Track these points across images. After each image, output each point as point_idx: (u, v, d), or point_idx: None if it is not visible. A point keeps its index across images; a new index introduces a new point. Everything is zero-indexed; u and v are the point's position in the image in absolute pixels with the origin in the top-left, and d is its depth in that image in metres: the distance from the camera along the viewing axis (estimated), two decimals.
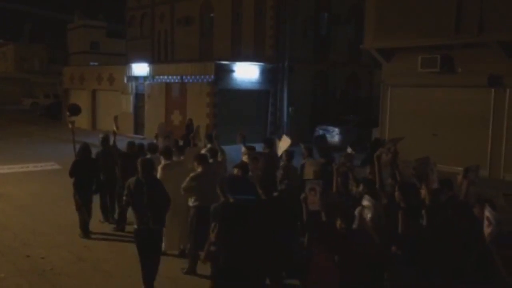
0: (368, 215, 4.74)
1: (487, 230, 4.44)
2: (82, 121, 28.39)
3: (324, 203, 5.21)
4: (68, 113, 11.71)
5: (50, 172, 15.12)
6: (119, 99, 26.47)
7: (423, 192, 5.65)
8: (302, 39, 24.34)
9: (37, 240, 8.72)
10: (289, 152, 8.38)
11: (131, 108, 25.87)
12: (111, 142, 9.84)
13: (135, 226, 6.41)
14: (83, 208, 8.89)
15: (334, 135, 21.28)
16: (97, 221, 9.52)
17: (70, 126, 11.18)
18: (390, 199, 5.53)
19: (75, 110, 11.46)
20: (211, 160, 7.77)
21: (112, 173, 9.34)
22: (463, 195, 5.76)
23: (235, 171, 6.46)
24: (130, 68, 25.59)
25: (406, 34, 16.03)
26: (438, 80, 15.92)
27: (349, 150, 7.84)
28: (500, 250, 4.52)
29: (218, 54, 26.05)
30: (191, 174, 7.15)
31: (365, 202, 4.86)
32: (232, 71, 21.76)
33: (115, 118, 10.86)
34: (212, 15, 27.92)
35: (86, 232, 8.92)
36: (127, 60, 32.43)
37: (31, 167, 15.98)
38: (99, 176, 9.28)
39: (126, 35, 36.52)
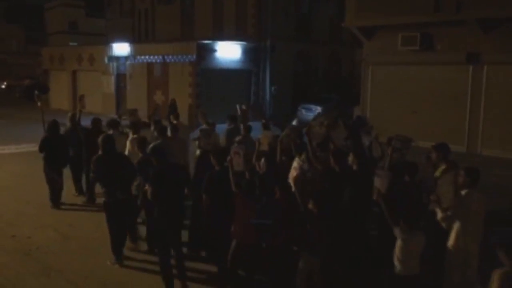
0: (293, 173, 5.47)
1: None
2: (63, 102, 28.18)
3: (247, 164, 5.90)
4: (36, 92, 12.14)
5: (32, 153, 14.93)
6: (100, 79, 26.21)
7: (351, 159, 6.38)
8: (284, 17, 24.28)
9: (22, 220, 8.76)
10: (246, 126, 8.92)
11: (112, 89, 25.65)
12: (77, 119, 10.17)
13: (104, 200, 6.82)
14: (55, 178, 9.33)
15: (317, 114, 21.48)
16: (70, 195, 9.90)
17: (39, 104, 11.45)
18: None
19: (43, 88, 11.77)
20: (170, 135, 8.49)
21: (80, 149, 9.66)
22: (387, 161, 6.53)
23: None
24: (111, 48, 25.29)
25: (387, 12, 16.15)
26: (417, 58, 16.14)
27: (294, 122, 8.64)
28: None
29: (199, 33, 25.88)
30: (151, 145, 7.59)
31: (294, 163, 5.70)
32: (214, 50, 21.68)
33: (81, 96, 11.12)
34: None
35: (55, 202, 9.43)
36: (107, 40, 32.00)
37: (12, 148, 15.86)
38: (68, 151, 9.61)
39: (106, 15, 35.93)
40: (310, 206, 5.35)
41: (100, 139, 6.85)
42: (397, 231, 4.91)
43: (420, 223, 4.95)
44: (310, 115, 21.69)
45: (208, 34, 25.08)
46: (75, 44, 42.17)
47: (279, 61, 23.57)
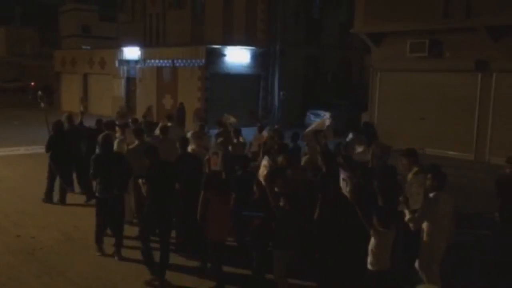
0: (264, 172, 5.88)
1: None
2: (74, 105, 28.41)
3: (224, 164, 6.43)
4: (39, 93, 12.77)
5: (41, 155, 15.06)
6: (110, 83, 26.47)
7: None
8: (294, 23, 24.34)
9: (27, 220, 8.89)
10: (236, 130, 9.79)
11: (122, 92, 25.90)
12: (78, 121, 10.73)
13: (97, 195, 7.23)
14: (62, 180, 9.89)
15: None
16: (75, 196, 10.22)
17: (42, 105, 12.09)
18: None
19: (46, 90, 12.44)
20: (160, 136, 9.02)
21: (77, 148, 9.99)
22: (369, 164, 7.04)
23: (177, 143, 7.69)
24: (121, 52, 25.56)
25: (395, 18, 16.14)
26: (426, 64, 16.09)
27: (276, 126, 9.61)
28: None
29: (209, 38, 26.01)
30: (129, 146, 8.18)
31: (264, 161, 6.02)
32: (223, 55, 21.81)
33: (82, 98, 11.52)
34: None
35: (50, 198, 9.91)
36: (119, 44, 32.32)
37: (22, 150, 16.07)
38: (71, 150, 9.99)
39: (118, 19, 36.31)
40: (282, 204, 5.59)
41: (100, 138, 7.23)
42: (371, 231, 5.14)
43: (392, 223, 5.18)
44: (318, 121, 21.69)
45: (217, 39, 25.20)
46: (88, 47, 42.59)
47: (289, 66, 23.61)
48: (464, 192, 12.00)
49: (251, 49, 22.94)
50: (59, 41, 52.84)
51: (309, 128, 9.30)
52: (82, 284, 6.43)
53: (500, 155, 14.80)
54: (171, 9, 29.65)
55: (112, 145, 7.52)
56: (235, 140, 9.52)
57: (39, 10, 59.63)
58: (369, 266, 5.24)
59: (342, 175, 5.56)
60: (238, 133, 9.64)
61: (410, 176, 6.19)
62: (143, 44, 29.05)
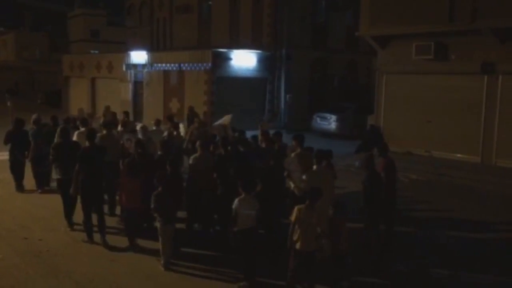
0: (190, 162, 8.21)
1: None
2: (82, 107, 28.65)
3: (135, 148, 8.06)
4: (7, 95, 14.05)
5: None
6: (118, 86, 26.67)
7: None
8: (300, 26, 24.39)
9: (34, 223, 9.00)
10: (176, 124, 11.96)
11: (130, 96, 26.08)
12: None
13: (58, 176, 8.63)
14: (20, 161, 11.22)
15: (331, 122, 21.46)
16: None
17: (8, 104, 13.26)
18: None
19: (13, 91, 14.19)
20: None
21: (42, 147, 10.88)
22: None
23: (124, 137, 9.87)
24: (128, 56, 25.75)
25: (401, 21, 16.13)
26: (432, 67, 16.06)
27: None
28: None
29: (216, 42, 26.17)
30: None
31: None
32: (230, 58, 21.90)
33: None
34: (210, 2, 27.98)
35: (19, 188, 11.23)
36: (127, 48, 32.58)
37: None
38: (29, 145, 11.07)
39: (126, 23, 36.62)
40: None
41: (58, 130, 8.97)
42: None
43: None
44: (324, 124, 21.72)
45: (224, 42, 25.34)
46: (96, 52, 42.92)
47: (295, 70, 23.66)
48: (475, 196, 12.00)
49: (257, 53, 23.02)
50: (67, 46, 53.37)
51: (217, 122, 11.57)
52: (88, 286, 6.50)
53: (506, 157, 14.78)
54: (178, 13, 29.86)
55: (69, 135, 9.02)
56: (175, 133, 11.63)
57: (48, 16, 60.21)
58: (234, 227, 6.33)
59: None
60: (176, 127, 11.98)
61: (293, 155, 8.13)
62: (150, 48, 29.27)
